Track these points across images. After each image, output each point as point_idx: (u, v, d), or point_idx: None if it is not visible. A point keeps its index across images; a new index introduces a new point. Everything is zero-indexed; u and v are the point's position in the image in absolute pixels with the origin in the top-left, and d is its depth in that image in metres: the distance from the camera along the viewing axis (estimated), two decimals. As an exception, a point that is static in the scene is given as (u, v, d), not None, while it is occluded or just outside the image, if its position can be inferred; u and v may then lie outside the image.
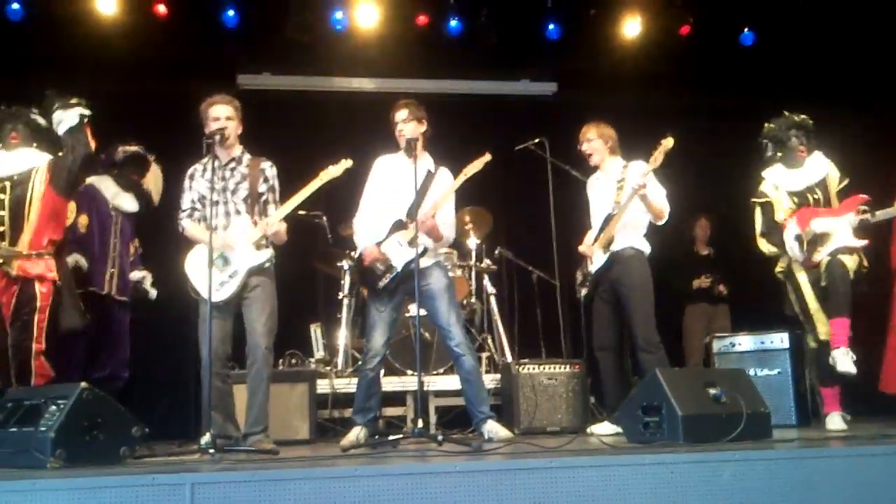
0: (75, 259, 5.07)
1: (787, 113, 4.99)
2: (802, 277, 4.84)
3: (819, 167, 4.90)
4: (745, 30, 7.52)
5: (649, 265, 5.02)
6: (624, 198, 4.97)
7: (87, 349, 5.12)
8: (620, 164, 5.16)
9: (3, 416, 3.58)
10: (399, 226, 4.69)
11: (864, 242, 4.69)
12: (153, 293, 5.48)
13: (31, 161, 4.59)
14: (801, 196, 4.90)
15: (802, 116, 4.93)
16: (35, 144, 4.62)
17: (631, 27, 7.42)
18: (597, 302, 5.13)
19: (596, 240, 5.11)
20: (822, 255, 4.70)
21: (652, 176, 4.91)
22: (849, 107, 6.19)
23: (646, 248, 5.08)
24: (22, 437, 3.40)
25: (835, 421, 4.73)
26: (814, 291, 4.78)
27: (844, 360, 4.48)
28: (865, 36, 7.07)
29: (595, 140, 5.15)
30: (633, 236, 5.03)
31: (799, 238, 4.79)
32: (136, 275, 5.43)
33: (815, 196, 4.87)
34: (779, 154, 4.95)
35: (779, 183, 4.96)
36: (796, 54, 7.44)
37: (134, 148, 5.42)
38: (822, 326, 4.71)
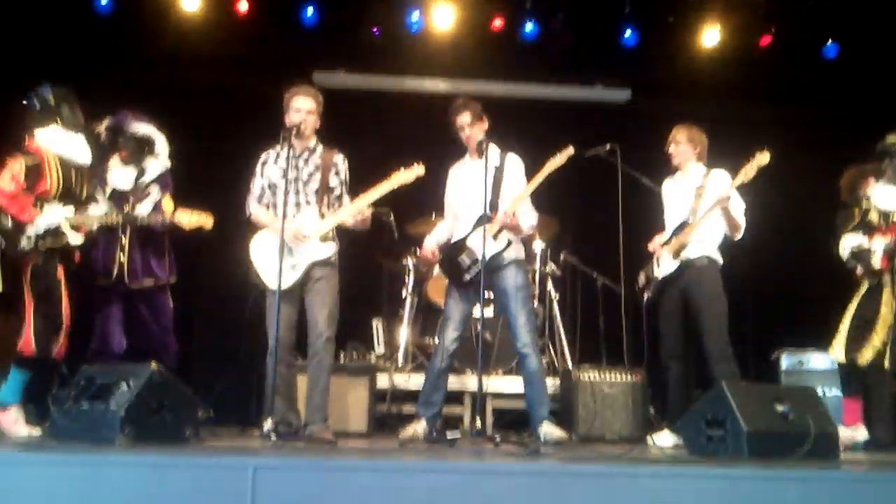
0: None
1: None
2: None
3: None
4: (829, 42, 7.32)
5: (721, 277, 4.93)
6: (703, 207, 4.89)
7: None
8: (702, 172, 5.07)
9: (76, 392, 3.70)
10: (484, 220, 4.70)
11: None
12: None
13: None
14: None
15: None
16: None
17: (710, 36, 7.29)
18: (665, 309, 5.03)
19: (666, 244, 5.03)
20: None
21: (734, 189, 4.82)
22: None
23: (720, 258, 4.98)
24: (93, 413, 3.52)
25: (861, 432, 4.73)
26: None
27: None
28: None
29: (683, 144, 5.08)
30: (708, 246, 4.94)
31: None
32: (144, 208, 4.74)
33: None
34: None
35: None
36: (882, 67, 7.21)
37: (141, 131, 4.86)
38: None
